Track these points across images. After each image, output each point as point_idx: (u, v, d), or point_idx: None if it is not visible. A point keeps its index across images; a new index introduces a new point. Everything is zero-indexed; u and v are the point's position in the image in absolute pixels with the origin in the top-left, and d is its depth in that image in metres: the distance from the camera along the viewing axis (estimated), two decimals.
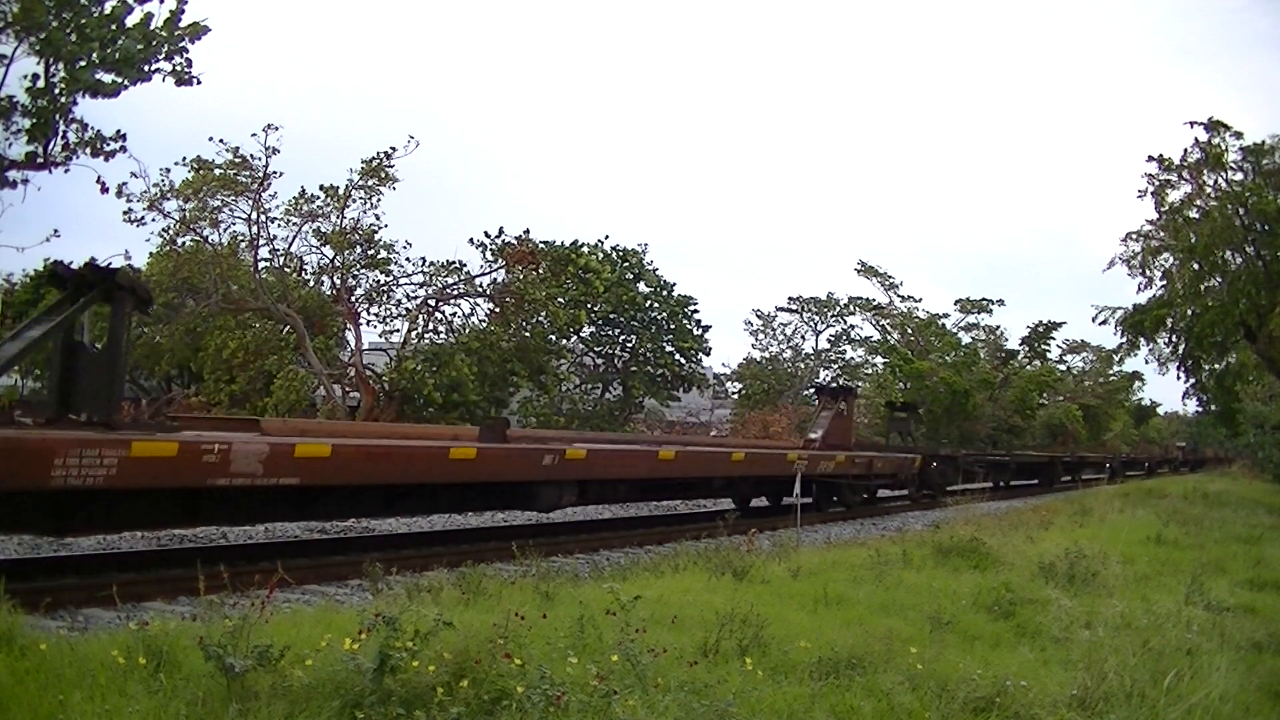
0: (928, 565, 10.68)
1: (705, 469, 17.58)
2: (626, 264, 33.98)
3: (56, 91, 12.02)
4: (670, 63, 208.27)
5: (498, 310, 25.65)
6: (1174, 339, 32.74)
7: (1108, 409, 59.82)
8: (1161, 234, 30.70)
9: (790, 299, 47.42)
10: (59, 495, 8.30)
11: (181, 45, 12.37)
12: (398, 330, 25.85)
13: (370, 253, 24.68)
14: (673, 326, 34.73)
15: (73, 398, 9.18)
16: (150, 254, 25.30)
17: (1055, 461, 40.93)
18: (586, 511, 18.45)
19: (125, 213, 21.67)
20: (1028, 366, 51.55)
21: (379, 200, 24.13)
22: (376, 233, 24.48)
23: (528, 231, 27.10)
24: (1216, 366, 34.26)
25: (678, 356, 34.66)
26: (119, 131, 12.67)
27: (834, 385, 31.56)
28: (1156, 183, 29.54)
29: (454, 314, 25.77)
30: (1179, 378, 34.47)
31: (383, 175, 23.76)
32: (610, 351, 34.70)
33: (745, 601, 6.86)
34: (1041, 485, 38.04)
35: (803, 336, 47.82)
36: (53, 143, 12.24)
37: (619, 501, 18.31)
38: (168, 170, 22.05)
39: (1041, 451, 44.47)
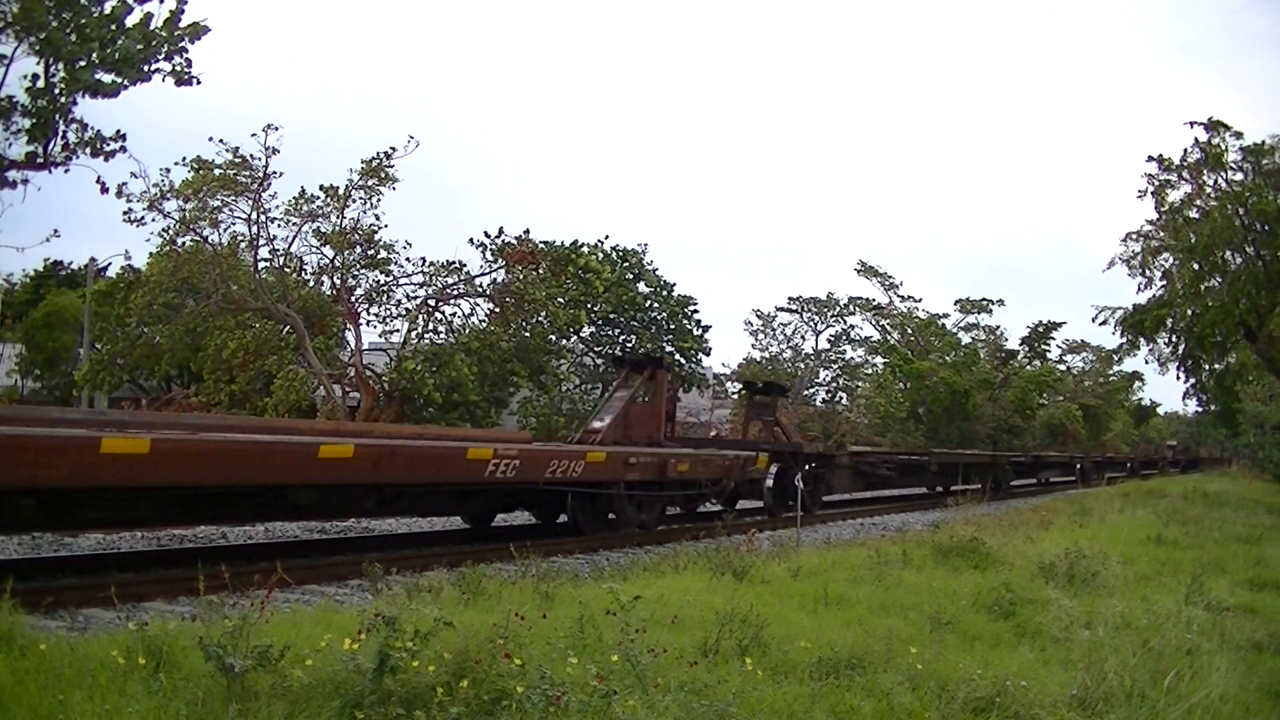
0: (928, 565, 10.69)
1: (250, 473, 10.03)
2: (626, 264, 33.95)
3: (56, 91, 12.01)
4: (670, 63, 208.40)
5: (498, 310, 25.64)
6: (1174, 339, 32.75)
7: (1108, 409, 59.90)
8: (1161, 234, 30.70)
9: (790, 299, 47.40)
10: None
11: (181, 45, 12.36)
12: (398, 330, 25.86)
13: (370, 253, 24.68)
14: (673, 326, 34.68)
15: None
16: (150, 254, 25.34)
17: (1000, 462, 33.99)
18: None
19: (125, 213, 21.67)
20: (1028, 366, 51.60)
21: (379, 200, 24.14)
22: (376, 233, 24.49)
23: (528, 231, 27.12)
24: (1216, 366, 34.26)
25: (678, 356, 34.62)
26: (119, 131, 12.66)
27: (640, 355, 23.50)
28: (1156, 183, 29.55)
29: (454, 314, 25.77)
30: (1179, 378, 34.52)
31: (383, 175, 23.75)
32: (610, 351, 34.67)
33: (745, 601, 6.86)
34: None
35: (803, 336, 47.81)
36: (53, 143, 12.22)
37: (36, 530, 11.47)
38: (168, 170, 22.05)
39: (982, 450, 37.63)
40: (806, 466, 20.54)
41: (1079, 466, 42.85)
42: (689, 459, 16.50)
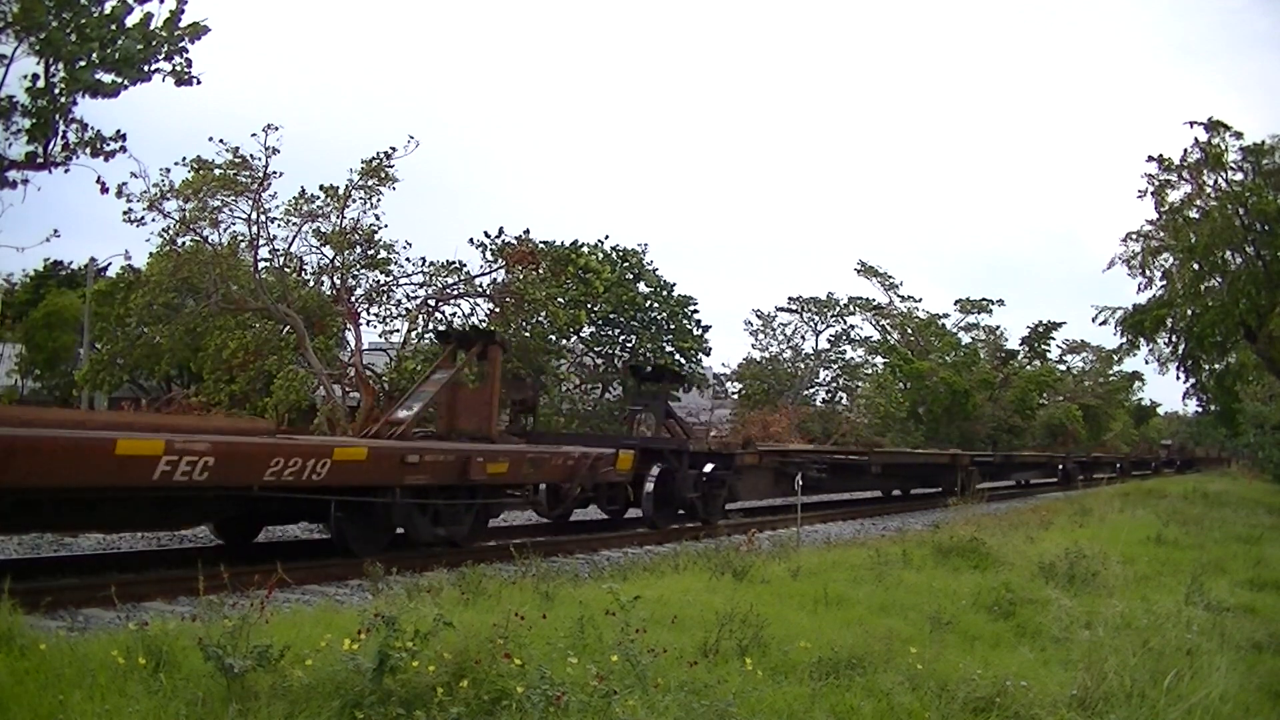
0: (928, 565, 10.70)
1: None
2: (626, 264, 33.96)
3: (56, 91, 12.00)
4: (670, 63, 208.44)
5: (498, 310, 25.64)
6: (1174, 339, 32.78)
7: (1108, 409, 59.93)
8: (1161, 234, 30.72)
9: (790, 299, 47.31)
10: None
11: (181, 45, 12.35)
12: (398, 330, 25.82)
13: (370, 253, 24.65)
14: (673, 326, 34.70)
15: None
16: (150, 254, 25.29)
17: (960, 463, 28.64)
18: (587, 511, 17.94)
19: (125, 213, 21.62)
20: (1028, 366, 51.67)
21: (379, 200, 24.08)
22: (376, 233, 24.44)
23: (528, 231, 27.08)
24: (1216, 366, 34.30)
25: (678, 356, 34.63)
26: (119, 131, 12.64)
27: (469, 329, 19.24)
28: (1156, 183, 29.58)
29: (454, 314, 25.76)
30: (1179, 378, 34.56)
31: (383, 175, 23.72)
32: (610, 351, 34.67)
33: (745, 601, 6.86)
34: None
35: (803, 336, 47.76)
36: (53, 143, 12.21)
37: None
38: (168, 170, 21.98)
39: (941, 449, 33.46)
40: (706, 467, 17.66)
41: (1061, 467, 39.83)
42: (507, 458, 13.11)
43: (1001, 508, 21.86)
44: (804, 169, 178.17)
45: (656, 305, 34.51)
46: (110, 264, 35.70)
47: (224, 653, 4.52)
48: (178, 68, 12.49)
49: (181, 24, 12.29)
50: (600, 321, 33.43)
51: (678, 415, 20.09)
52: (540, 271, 26.19)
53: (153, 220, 22.27)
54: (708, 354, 37.71)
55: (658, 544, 14.86)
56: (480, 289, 25.73)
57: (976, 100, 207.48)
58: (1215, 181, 29.06)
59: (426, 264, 25.05)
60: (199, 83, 12.69)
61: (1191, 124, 28.65)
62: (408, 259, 25.05)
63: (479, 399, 14.65)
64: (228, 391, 23.69)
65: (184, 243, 23.38)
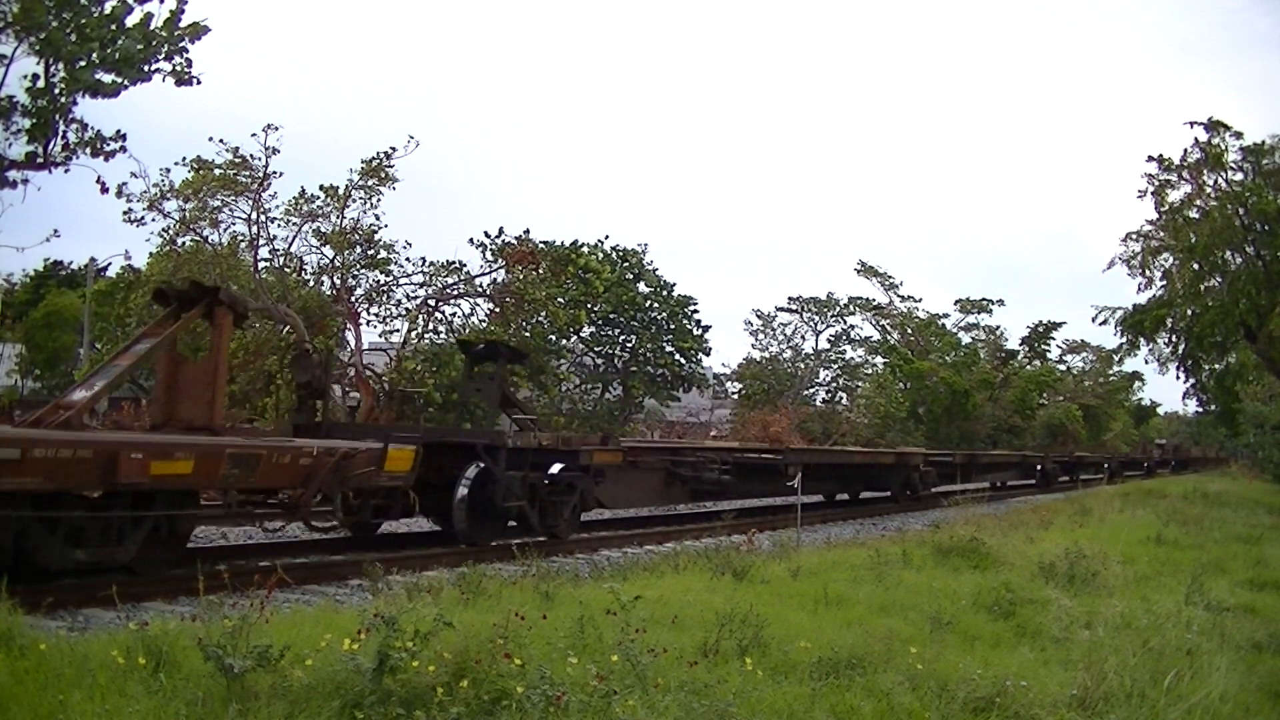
0: (928, 565, 10.69)
1: None
2: (626, 264, 33.98)
3: (56, 91, 12.02)
4: (670, 63, 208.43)
5: (498, 310, 25.64)
6: (1174, 339, 32.79)
7: (1108, 409, 59.93)
8: (1161, 234, 30.73)
9: (790, 299, 47.34)
10: None
11: (181, 45, 12.37)
12: (398, 330, 25.84)
13: (370, 253, 24.66)
14: (673, 326, 34.73)
15: None
16: (150, 254, 25.28)
17: (910, 463, 25.44)
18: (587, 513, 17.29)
19: (125, 213, 21.65)
20: (1028, 366, 51.66)
21: (379, 200, 24.11)
22: (376, 233, 24.46)
23: (528, 231, 27.11)
24: (1216, 366, 34.31)
25: (678, 356, 34.65)
26: (119, 131, 12.67)
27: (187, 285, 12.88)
28: (1156, 183, 29.59)
29: (454, 314, 25.77)
30: (1179, 378, 34.58)
31: (383, 175, 23.73)
32: (610, 351, 34.70)
33: (745, 601, 6.87)
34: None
35: (803, 336, 47.78)
36: (53, 143, 12.23)
37: None
38: (168, 170, 22.01)
39: (887, 448, 30.82)
40: (554, 468, 13.90)
41: (1040, 468, 37.14)
42: (190, 454, 9.35)
43: (1001, 508, 21.86)
44: (804, 169, 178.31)
45: (656, 305, 34.52)
46: (110, 264, 35.76)
47: (224, 653, 4.52)
48: (178, 68, 12.50)
49: (181, 24, 12.31)
50: (600, 321, 33.44)
51: (519, 401, 16.53)
52: (540, 271, 26.19)
53: (153, 220, 22.30)
54: (708, 354, 37.77)
55: (658, 544, 14.80)
56: (480, 289, 25.75)
57: (977, 100, 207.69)
58: (1215, 181, 29.07)
59: (426, 264, 25.07)
60: (199, 83, 12.72)
61: (1191, 124, 28.72)
62: (408, 259, 25.07)
63: (194, 376, 11.20)
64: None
65: (184, 243, 23.39)
